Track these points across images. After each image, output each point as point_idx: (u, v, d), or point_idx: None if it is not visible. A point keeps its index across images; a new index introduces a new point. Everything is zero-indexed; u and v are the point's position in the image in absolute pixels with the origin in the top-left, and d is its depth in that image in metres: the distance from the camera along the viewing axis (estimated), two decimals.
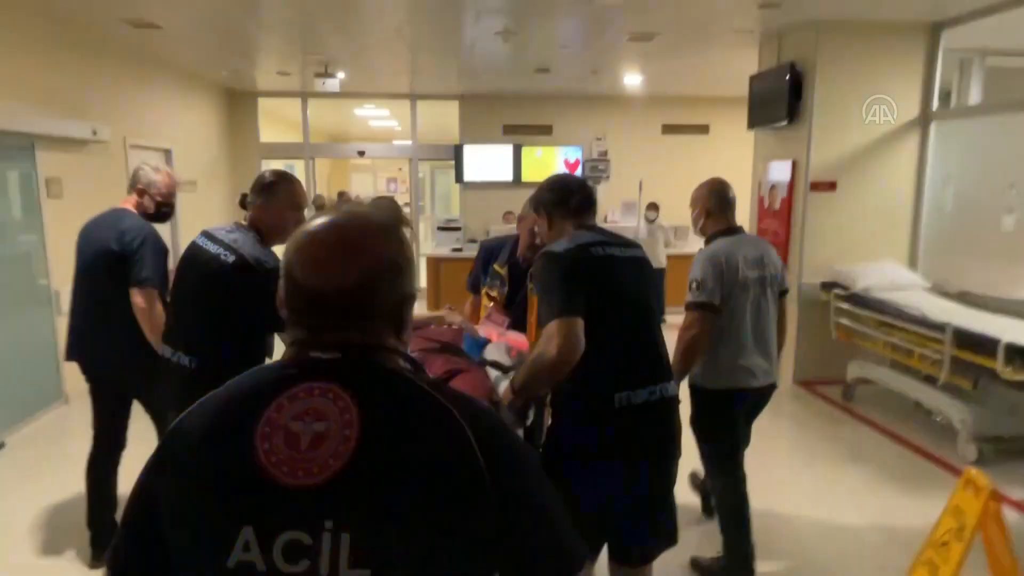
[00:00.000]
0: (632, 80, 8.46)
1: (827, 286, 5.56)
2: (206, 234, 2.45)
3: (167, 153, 7.37)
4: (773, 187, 6.20)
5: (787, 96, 5.70)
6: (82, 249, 3.01)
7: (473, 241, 8.99)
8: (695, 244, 9.08)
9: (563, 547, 0.93)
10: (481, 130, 9.88)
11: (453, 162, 9.87)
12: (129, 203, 3.00)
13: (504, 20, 5.63)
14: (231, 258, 2.32)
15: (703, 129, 10.08)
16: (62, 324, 5.22)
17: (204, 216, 8.35)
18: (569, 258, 1.97)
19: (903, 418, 4.98)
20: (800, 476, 4.17)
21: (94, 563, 3.06)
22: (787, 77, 5.70)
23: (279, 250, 1.57)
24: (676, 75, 8.05)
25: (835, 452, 4.52)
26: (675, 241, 8.59)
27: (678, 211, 9.09)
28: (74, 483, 3.96)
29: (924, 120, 5.70)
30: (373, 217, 0.97)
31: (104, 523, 3.06)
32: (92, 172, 5.67)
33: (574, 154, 9.97)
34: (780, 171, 6.08)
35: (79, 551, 3.23)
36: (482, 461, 0.86)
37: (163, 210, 3.05)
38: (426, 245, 9.89)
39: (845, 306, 5.30)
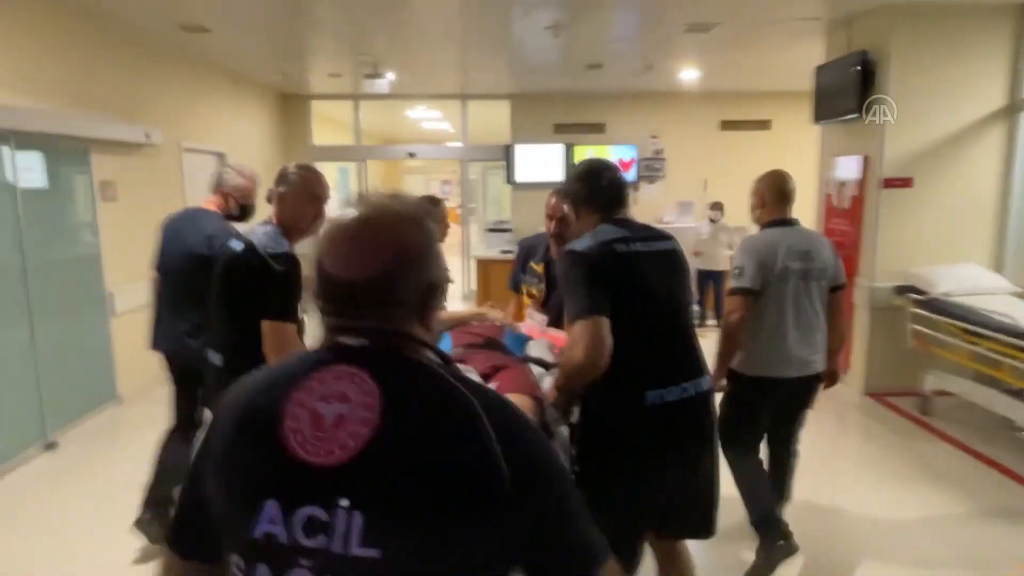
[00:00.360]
0: (688, 75, 8.14)
1: (902, 290, 5.16)
2: (233, 233, 2.50)
3: (220, 156, 7.46)
4: (842, 184, 5.81)
5: (857, 87, 5.32)
6: (167, 247, 3.15)
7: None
8: None
9: (582, 543, 0.92)
10: (532, 130, 9.71)
11: (504, 163, 9.74)
12: (212, 204, 3.14)
13: (554, 13, 5.44)
14: (239, 246, 2.30)
15: (764, 124, 9.64)
16: (116, 325, 5.35)
17: (256, 218, 8.44)
18: (591, 256, 1.94)
19: (988, 435, 4.55)
20: (871, 496, 3.83)
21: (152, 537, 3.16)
22: (857, 67, 5.32)
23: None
24: (735, 68, 7.69)
25: (911, 471, 4.15)
26: (738, 242, 8.24)
27: (739, 211, 8.72)
28: (126, 482, 4.00)
29: (1011, 110, 5.23)
30: (397, 208, 0.99)
31: (164, 501, 3.14)
32: (146, 175, 5.75)
33: (628, 153, 9.68)
34: (849, 167, 5.69)
35: (131, 548, 3.22)
36: (500, 455, 0.86)
37: (244, 211, 3.20)
38: (477, 247, 9.75)
39: (922, 312, 4.90)
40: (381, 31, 6.04)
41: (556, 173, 9.58)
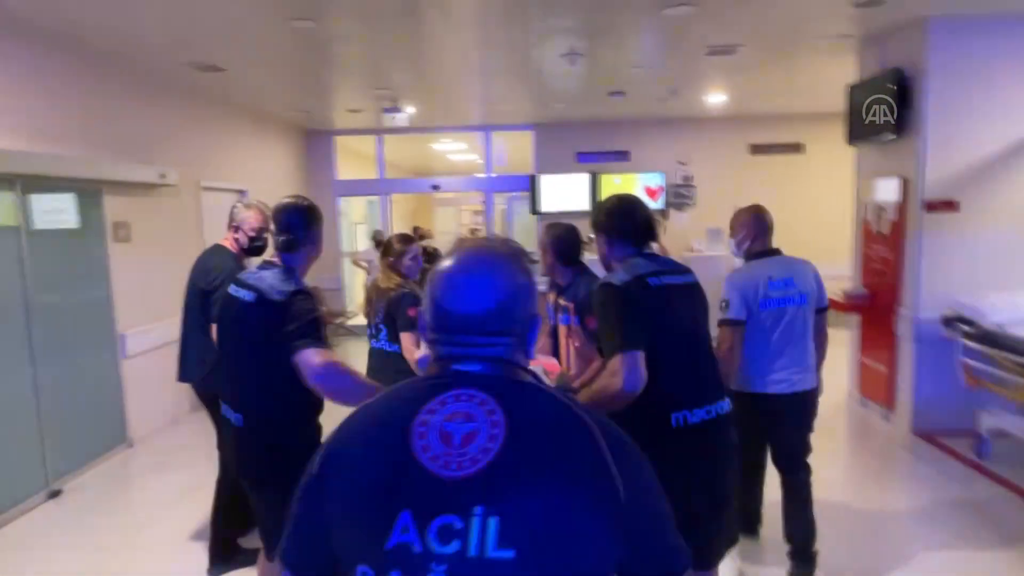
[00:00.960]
0: (715, 99, 7.90)
1: (949, 321, 4.76)
2: (235, 281, 2.37)
3: (241, 194, 7.46)
4: (880, 208, 5.47)
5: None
6: (188, 283, 3.29)
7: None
8: None
9: (671, 550, 1.02)
10: (555, 159, 9.55)
11: (529, 193, 9.58)
12: (227, 240, 3.27)
13: (569, 40, 5.28)
14: (250, 296, 2.24)
15: (796, 148, 9.30)
16: (128, 367, 5.28)
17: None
18: (628, 290, 2.09)
19: None
20: (922, 549, 3.45)
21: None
22: (893, 84, 5.02)
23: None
24: (763, 90, 7.43)
25: (968, 521, 3.74)
26: None
27: (776, 237, 8.33)
28: (133, 532, 3.90)
29: None
30: (501, 249, 1.10)
31: (225, 532, 3.24)
32: (162, 215, 5.73)
33: (655, 180, 9.43)
34: (887, 190, 5.35)
35: None
36: (613, 464, 0.95)
37: (255, 244, 3.23)
38: None
39: (974, 345, 4.50)
40: (398, 65, 5.97)
41: (582, 202, 9.39)
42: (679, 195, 9.46)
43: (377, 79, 6.54)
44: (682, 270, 2.26)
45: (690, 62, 6.07)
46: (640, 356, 1.97)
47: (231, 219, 3.27)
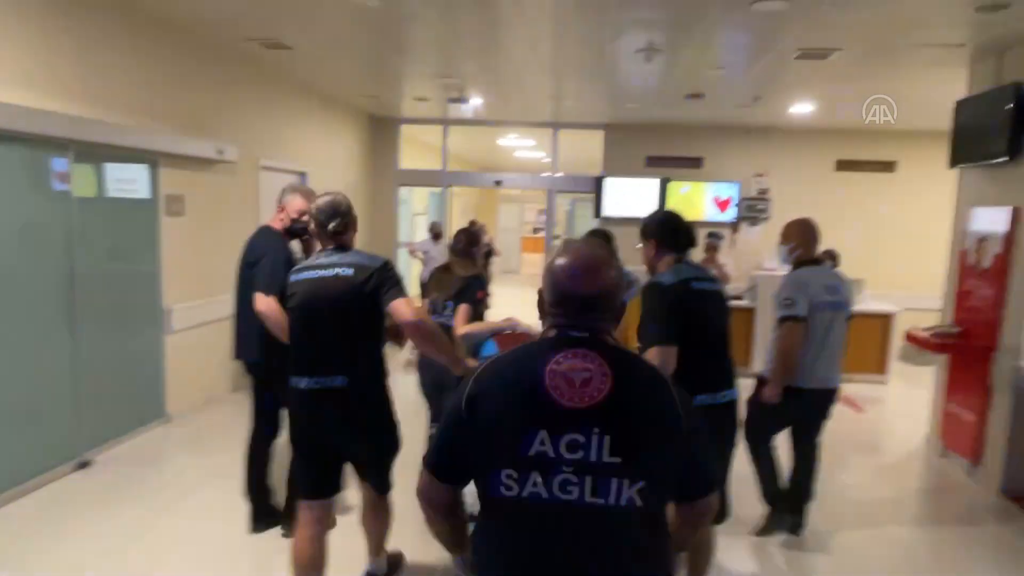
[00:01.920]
0: (800, 108, 7.37)
1: None
2: (311, 264, 2.63)
3: (302, 176, 7.39)
4: (982, 240, 4.89)
5: (1009, 126, 4.45)
6: (239, 261, 3.39)
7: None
8: (879, 301, 7.62)
9: (708, 473, 1.46)
10: (625, 162, 9.17)
11: (593, 195, 9.24)
12: (275, 221, 3.43)
13: (647, 34, 4.92)
14: (349, 272, 2.56)
15: (888, 166, 8.64)
16: (171, 343, 5.23)
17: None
18: (674, 291, 2.56)
19: None
20: None
21: (254, 530, 3.50)
22: (1010, 103, 4.46)
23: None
24: (855, 101, 6.84)
25: None
26: (857, 297, 7.21)
27: (858, 261, 7.79)
28: (157, 508, 3.83)
29: None
30: (601, 251, 1.49)
31: (260, 497, 3.50)
32: (217, 192, 5.67)
33: (727, 191, 8.93)
34: (993, 220, 4.78)
35: None
36: (680, 406, 1.37)
37: (295, 227, 3.37)
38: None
39: None
40: (469, 54, 5.74)
41: (648, 209, 8.96)
42: (752, 208, 8.93)
43: (445, 67, 6.33)
44: (713, 278, 2.78)
45: (778, 65, 5.61)
46: (673, 351, 2.44)
47: (280, 199, 3.46)
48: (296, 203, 3.37)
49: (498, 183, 10.02)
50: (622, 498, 1.30)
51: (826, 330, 3.40)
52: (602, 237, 3.77)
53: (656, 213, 2.89)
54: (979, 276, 4.91)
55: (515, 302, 6.33)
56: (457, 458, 1.42)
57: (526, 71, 6.30)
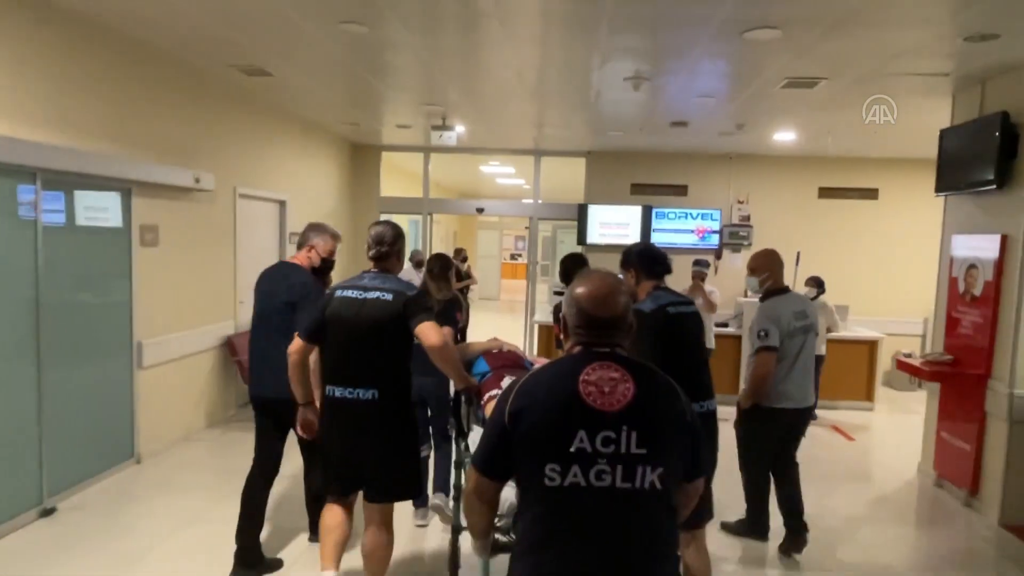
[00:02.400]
0: (784, 136, 7.40)
1: None
2: (353, 284, 2.89)
3: (281, 204, 7.23)
4: (971, 267, 4.88)
5: (997, 154, 4.48)
6: (261, 296, 3.51)
7: None
8: (862, 327, 7.61)
9: (705, 460, 1.81)
10: (608, 189, 9.14)
11: (576, 223, 9.18)
12: (299, 259, 3.55)
13: (635, 63, 4.89)
14: (389, 296, 2.84)
15: (870, 194, 8.70)
16: (142, 378, 4.98)
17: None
18: (653, 317, 2.89)
19: None
20: None
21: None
22: (996, 130, 4.48)
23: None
24: (838, 130, 6.89)
25: None
26: (842, 323, 7.19)
27: (841, 288, 7.80)
28: (124, 557, 3.58)
29: None
30: (616, 281, 1.79)
31: (251, 540, 3.41)
32: (194, 221, 5.48)
33: (710, 219, 8.93)
34: (981, 247, 4.78)
35: None
36: (686, 406, 1.71)
37: (325, 266, 3.60)
38: (542, 311, 9.12)
39: None
40: (452, 80, 5.65)
41: (632, 235, 8.93)
42: (735, 235, 8.92)
43: (428, 94, 6.25)
44: (689, 302, 3.12)
45: (763, 94, 5.61)
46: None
47: (304, 240, 3.56)
48: (328, 244, 3.60)
49: (480, 210, 9.92)
50: (646, 482, 1.60)
51: (797, 353, 3.72)
52: (580, 263, 3.98)
53: (635, 245, 3.27)
54: (969, 303, 4.89)
55: (493, 328, 6.20)
56: (500, 460, 1.71)
57: (510, 98, 6.24)
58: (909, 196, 8.42)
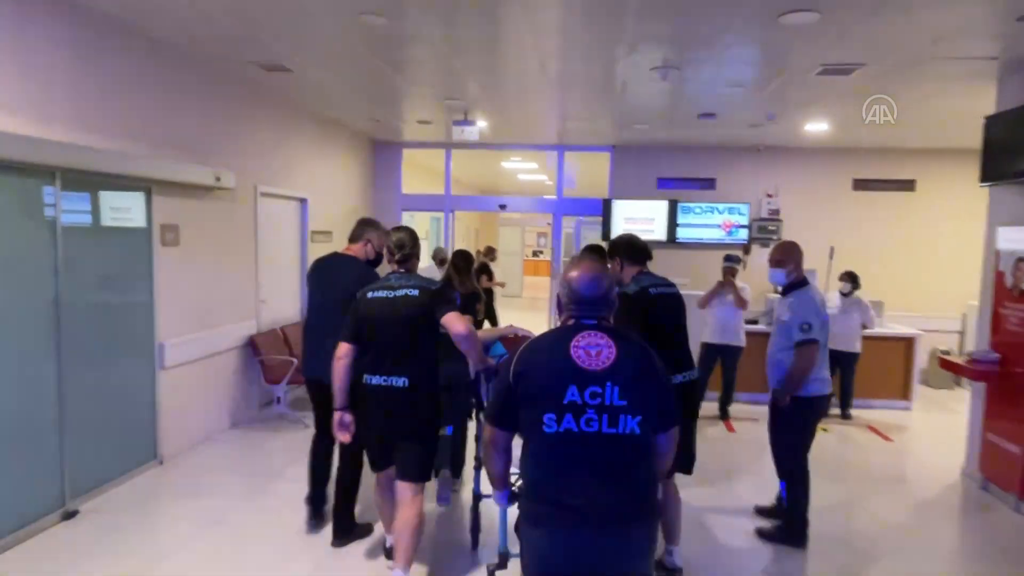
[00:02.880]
0: (816, 127, 7.17)
1: None
2: (382, 285, 3.22)
3: (302, 203, 7.17)
4: (1021, 260, 4.64)
5: None
6: (321, 285, 3.84)
7: None
8: (897, 323, 7.37)
9: (672, 411, 2.10)
10: (634, 183, 8.96)
11: (600, 218, 9.02)
12: (355, 251, 3.88)
13: (662, 51, 4.72)
14: (415, 292, 3.15)
15: (907, 185, 8.42)
16: (165, 379, 4.95)
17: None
18: (636, 298, 3.31)
19: None
20: None
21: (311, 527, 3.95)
22: None
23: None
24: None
25: None
26: (877, 319, 6.92)
27: (875, 283, 7.55)
28: (148, 562, 3.52)
29: None
30: (600, 264, 2.24)
31: (322, 495, 4.00)
32: (215, 220, 5.43)
33: (737, 214, 8.70)
34: None
35: None
36: (657, 363, 2.05)
37: (377, 259, 3.90)
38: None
39: None
40: (473, 73, 5.53)
41: (659, 231, 8.74)
42: (764, 229, 8.70)
43: (449, 88, 6.13)
44: (670, 284, 3.49)
45: (797, 82, 5.40)
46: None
47: (362, 233, 3.89)
48: (381, 240, 3.86)
49: (503, 207, 9.80)
50: (628, 428, 1.97)
51: (824, 343, 3.77)
52: (597, 252, 4.24)
53: (619, 237, 3.68)
54: (1018, 299, 4.65)
55: (517, 322, 6.09)
56: (509, 413, 2.08)
57: (532, 91, 6.10)
58: (948, 187, 8.13)
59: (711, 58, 4.83)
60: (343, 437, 3.25)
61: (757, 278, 8.58)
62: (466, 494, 4.33)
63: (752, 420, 6.49)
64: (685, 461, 3.40)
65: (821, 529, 4.06)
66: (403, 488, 3.17)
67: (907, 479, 5.46)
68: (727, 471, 5.15)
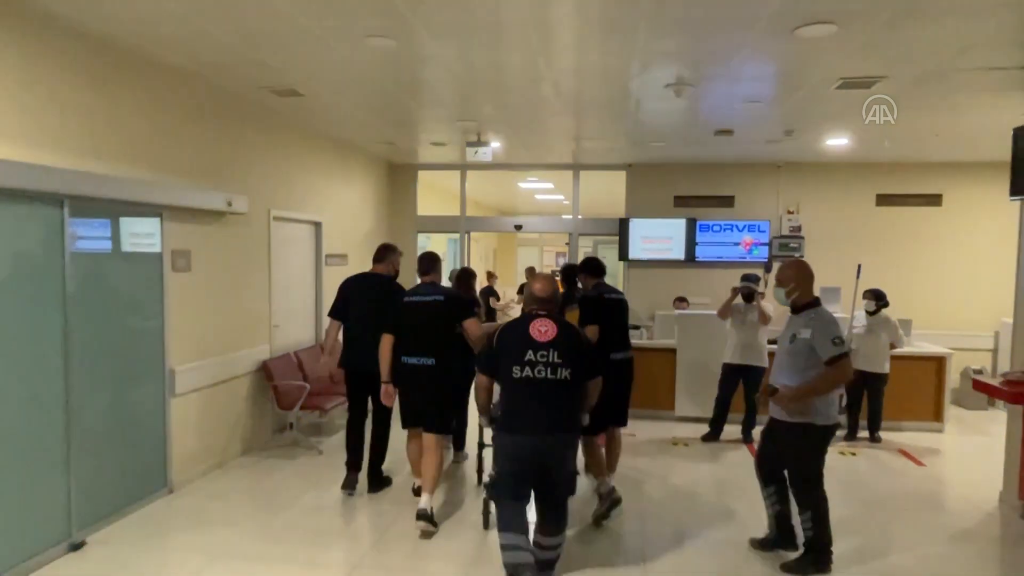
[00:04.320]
0: (837, 142, 7.02)
1: None
2: (417, 289, 4.57)
3: (317, 226, 7.15)
4: None
5: None
6: (359, 296, 4.91)
7: (635, 327, 7.83)
8: (926, 342, 7.12)
9: (598, 365, 3.61)
10: (650, 202, 8.86)
11: (617, 237, 8.90)
12: (380, 269, 5.01)
13: (676, 68, 4.64)
14: (442, 297, 4.48)
15: (934, 200, 8.21)
16: (176, 406, 4.90)
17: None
18: (592, 299, 4.61)
19: None
20: None
21: (372, 492, 4.98)
22: None
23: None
24: (897, 132, 6.47)
25: None
26: (906, 338, 6.67)
27: (903, 301, 7.32)
28: None
29: None
30: (551, 278, 3.72)
31: (358, 459, 4.98)
32: (227, 245, 5.41)
33: (757, 231, 8.54)
34: None
35: None
36: (584, 341, 3.58)
37: (396, 274, 5.06)
38: None
39: None
40: (486, 94, 5.49)
41: (677, 251, 8.60)
42: (785, 247, 8.51)
43: (462, 110, 6.10)
44: (619, 292, 4.90)
45: (815, 97, 5.28)
46: (595, 328, 4.32)
47: (385, 256, 5.03)
48: (399, 261, 5.13)
49: (519, 227, 9.74)
50: (562, 376, 3.34)
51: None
52: (567, 271, 5.81)
53: (584, 259, 5.08)
54: None
55: None
56: (491, 364, 3.48)
57: (546, 111, 6.04)
58: (976, 201, 7.92)
59: (726, 74, 4.73)
60: (388, 403, 4.55)
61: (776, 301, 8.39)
62: (472, 448, 5.42)
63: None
64: (620, 417, 4.70)
65: (852, 560, 3.86)
66: (428, 439, 4.39)
67: (942, 506, 5.21)
68: (751, 501, 4.95)
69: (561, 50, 4.34)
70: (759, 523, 4.15)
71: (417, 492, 4.53)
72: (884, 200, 8.31)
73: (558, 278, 4.98)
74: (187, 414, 4.96)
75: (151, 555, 3.92)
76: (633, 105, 5.74)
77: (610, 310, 4.57)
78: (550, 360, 3.31)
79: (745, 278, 6.34)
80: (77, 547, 3.90)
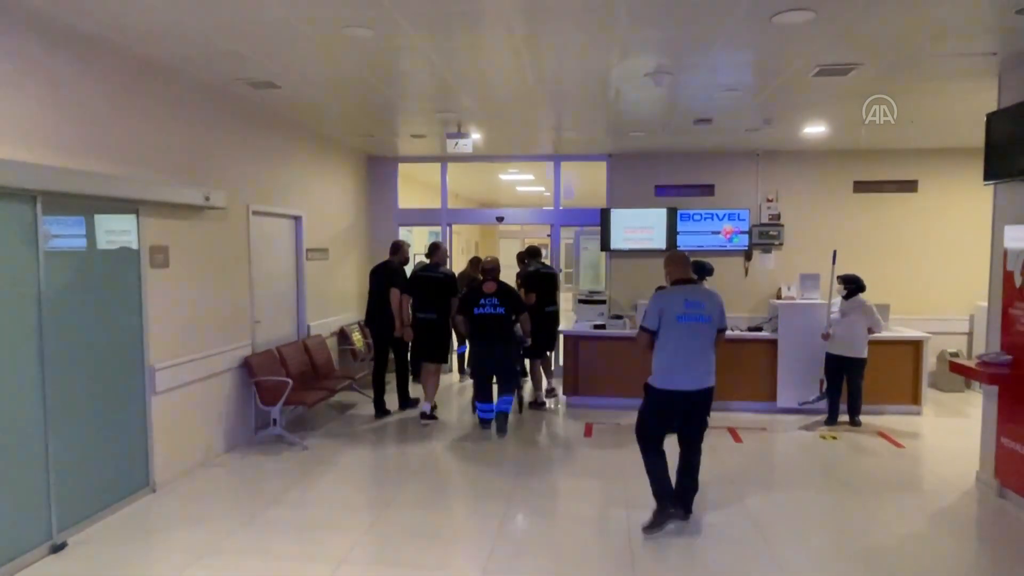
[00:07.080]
0: (814, 129, 7.08)
1: None
2: (427, 267, 6.94)
3: (296, 220, 7.09)
4: None
5: None
6: (376, 279, 7.09)
7: (618, 317, 7.86)
8: (904, 326, 7.24)
9: (523, 305, 6.70)
10: (631, 192, 8.88)
11: (599, 228, 8.92)
12: (394, 260, 7.09)
13: (655, 57, 4.64)
14: (442, 274, 6.88)
15: (909, 186, 8.31)
16: (157, 404, 4.83)
17: (336, 282, 8.00)
18: (530, 274, 7.56)
19: None
20: None
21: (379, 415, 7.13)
22: None
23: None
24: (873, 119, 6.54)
25: None
26: (881, 323, 6.74)
27: (880, 286, 7.43)
28: None
29: None
30: (495, 259, 6.80)
31: (383, 399, 7.13)
32: (206, 240, 5.34)
33: (737, 220, 8.61)
34: None
35: None
36: (514, 295, 6.67)
37: (404, 262, 7.14)
38: (566, 320, 8.86)
39: None
40: (465, 85, 5.45)
41: (658, 240, 8.64)
42: (765, 235, 8.58)
43: (441, 101, 6.06)
44: (549, 267, 7.88)
45: (793, 85, 5.32)
46: (532, 295, 7.29)
47: (397, 249, 7.12)
48: (407, 253, 7.22)
49: (500, 219, 9.70)
50: (501, 311, 6.36)
51: (686, 339, 4.21)
52: (530, 252, 7.91)
53: (527, 247, 7.88)
54: None
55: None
56: (465, 308, 6.51)
57: (526, 101, 6.03)
58: (951, 187, 8.05)
59: (705, 62, 4.75)
60: (408, 338, 6.83)
61: (759, 285, 8.49)
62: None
63: (760, 429, 6.37)
64: (547, 349, 7.55)
65: (833, 541, 3.92)
66: (427, 365, 6.78)
67: (921, 487, 5.31)
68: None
69: (541, 39, 4.33)
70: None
71: (423, 416, 6.74)
72: (861, 187, 8.40)
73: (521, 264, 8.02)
74: (168, 412, 4.90)
75: (134, 555, 3.88)
76: (613, 95, 5.74)
77: (541, 280, 7.38)
78: (494, 303, 6.32)
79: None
80: (59, 548, 3.84)
